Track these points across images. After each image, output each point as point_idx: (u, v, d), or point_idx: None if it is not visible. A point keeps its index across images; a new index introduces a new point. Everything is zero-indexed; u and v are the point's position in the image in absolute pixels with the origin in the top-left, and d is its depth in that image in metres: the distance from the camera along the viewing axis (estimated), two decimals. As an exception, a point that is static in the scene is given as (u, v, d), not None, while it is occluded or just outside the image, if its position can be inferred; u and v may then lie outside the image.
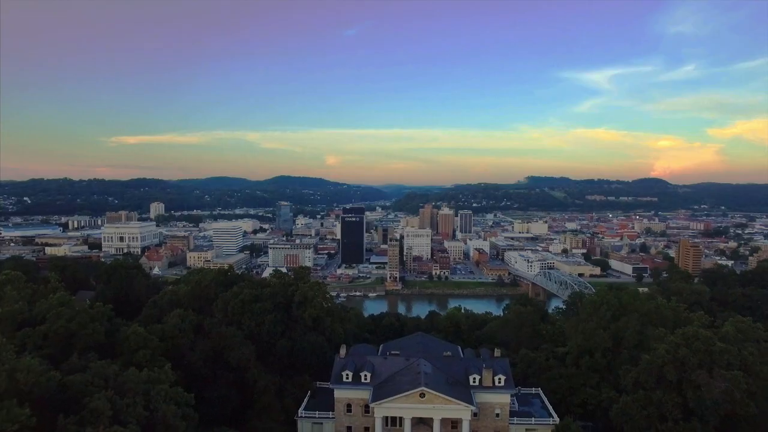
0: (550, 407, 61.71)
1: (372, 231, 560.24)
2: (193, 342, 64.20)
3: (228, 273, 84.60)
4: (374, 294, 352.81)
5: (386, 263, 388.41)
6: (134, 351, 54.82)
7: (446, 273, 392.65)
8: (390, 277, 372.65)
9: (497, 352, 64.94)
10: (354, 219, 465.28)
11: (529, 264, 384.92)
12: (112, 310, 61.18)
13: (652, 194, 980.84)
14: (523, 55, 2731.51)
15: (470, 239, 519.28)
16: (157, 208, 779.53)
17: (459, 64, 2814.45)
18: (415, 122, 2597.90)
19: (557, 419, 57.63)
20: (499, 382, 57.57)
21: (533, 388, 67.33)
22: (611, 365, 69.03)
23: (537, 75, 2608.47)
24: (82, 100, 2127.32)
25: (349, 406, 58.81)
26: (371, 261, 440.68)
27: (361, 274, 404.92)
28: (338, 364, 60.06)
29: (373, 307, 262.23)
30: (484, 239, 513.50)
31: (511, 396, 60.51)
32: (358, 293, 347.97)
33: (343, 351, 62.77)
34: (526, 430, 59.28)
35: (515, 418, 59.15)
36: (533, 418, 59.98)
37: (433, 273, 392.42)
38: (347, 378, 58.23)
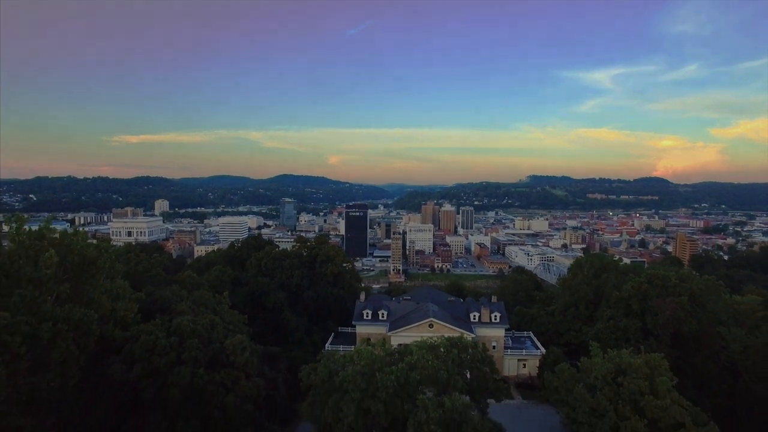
0: (538, 343, 72.62)
1: (375, 227, 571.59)
2: (232, 291, 75.19)
3: (258, 237, 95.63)
4: (378, 285, 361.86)
5: (389, 257, 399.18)
6: (190, 291, 65.73)
7: (448, 266, 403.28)
8: (393, 270, 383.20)
9: (494, 299, 75.81)
10: (358, 214, 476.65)
11: (529, 257, 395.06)
12: (167, 260, 72.11)
13: (654, 193, 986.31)
14: (526, 55, 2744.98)
15: (471, 235, 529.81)
16: (161, 205, 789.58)
17: (461, 63, 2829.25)
18: (417, 122, 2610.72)
19: (544, 350, 68.41)
20: (495, 319, 68.51)
21: (525, 332, 78.24)
22: (593, 315, 79.69)
23: (539, 75, 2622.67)
24: (85, 100, 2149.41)
25: (368, 340, 69.50)
26: (374, 255, 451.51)
27: (365, 267, 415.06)
28: (359, 306, 71.01)
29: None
30: (486, 235, 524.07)
31: (506, 334, 71.43)
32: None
33: (362, 296, 73.76)
34: (518, 360, 70.17)
35: (509, 351, 70.07)
36: (524, 351, 70.94)
37: (435, 266, 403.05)
38: (367, 316, 69.11)
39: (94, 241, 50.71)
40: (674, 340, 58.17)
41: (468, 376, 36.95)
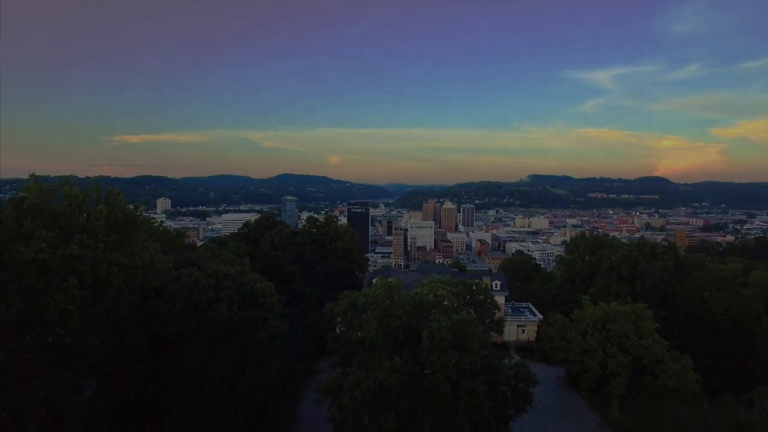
0: (536, 311, 77.42)
1: (376, 224, 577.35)
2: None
3: (270, 218, 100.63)
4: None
5: (390, 253, 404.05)
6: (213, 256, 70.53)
7: (449, 261, 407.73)
8: (395, 265, 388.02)
9: (494, 270, 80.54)
10: (360, 210, 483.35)
11: (530, 254, 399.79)
12: (184, 234, 76.93)
13: (654, 192, 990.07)
14: (527, 55, 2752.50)
15: (472, 232, 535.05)
16: (163, 204, 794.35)
17: (462, 63, 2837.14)
18: (417, 122, 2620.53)
19: (541, 317, 73.18)
20: (496, 287, 73.29)
21: (524, 303, 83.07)
22: (588, 288, 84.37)
23: (540, 75, 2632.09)
24: (86, 100, 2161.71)
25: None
26: (376, 251, 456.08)
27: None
28: (368, 276, 75.99)
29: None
30: (486, 232, 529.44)
31: (506, 303, 76.18)
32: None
33: (371, 268, 78.48)
34: (517, 326, 74.96)
35: (508, 317, 74.82)
36: (523, 318, 75.74)
37: (437, 261, 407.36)
38: (376, 285, 73.94)
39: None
40: (661, 304, 62.90)
41: (472, 313, 41.71)
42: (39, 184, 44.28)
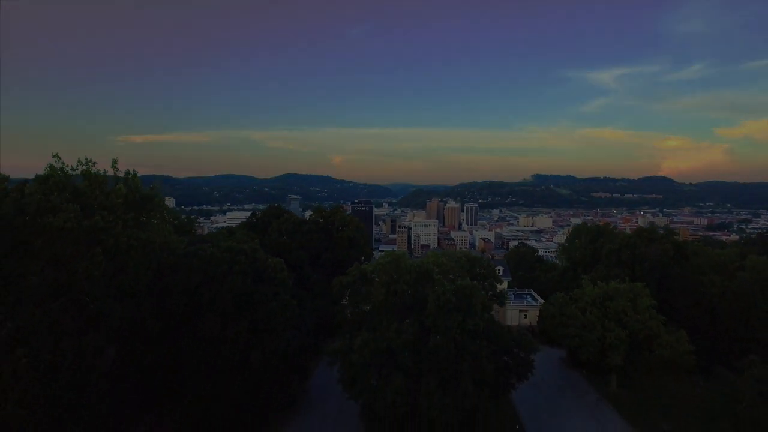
0: (538, 297, 79.06)
1: (380, 223, 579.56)
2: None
3: (278, 207, 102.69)
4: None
5: (394, 251, 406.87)
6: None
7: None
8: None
9: (497, 257, 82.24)
10: (364, 209, 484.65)
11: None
12: (195, 221, 78.94)
13: (658, 192, 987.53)
14: (530, 55, 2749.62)
15: (476, 231, 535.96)
16: (168, 203, 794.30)
17: (465, 63, 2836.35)
18: (421, 122, 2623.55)
19: (543, 302, 74.79)
20: (499, 272, 74.79)
21: (526, 289, 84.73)
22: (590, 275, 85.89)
23: (544, 75, 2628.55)
24: (90, 100, 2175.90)
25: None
26: (380, 250, 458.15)
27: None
28: (374, 260, 77.74)
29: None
30: (490, 230, 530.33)
31: (508, 290, 77.83)
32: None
33: (377, 254, 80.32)
34: (520, 311, 76.60)
35: (511, 303, 76.51)
36: (525, 302, 77.39)
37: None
38: (381, 270, 75.84)
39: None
40: (660, 286, 64.39)
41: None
42: (61, 164, 46.28)
